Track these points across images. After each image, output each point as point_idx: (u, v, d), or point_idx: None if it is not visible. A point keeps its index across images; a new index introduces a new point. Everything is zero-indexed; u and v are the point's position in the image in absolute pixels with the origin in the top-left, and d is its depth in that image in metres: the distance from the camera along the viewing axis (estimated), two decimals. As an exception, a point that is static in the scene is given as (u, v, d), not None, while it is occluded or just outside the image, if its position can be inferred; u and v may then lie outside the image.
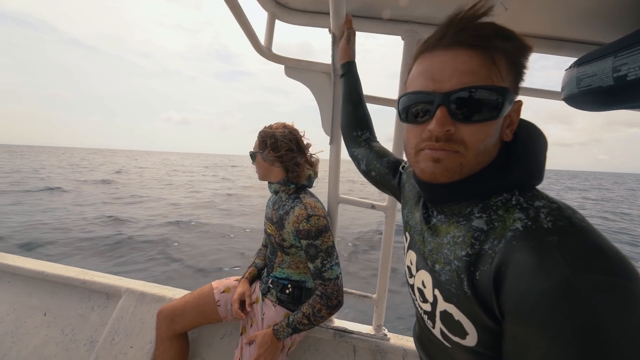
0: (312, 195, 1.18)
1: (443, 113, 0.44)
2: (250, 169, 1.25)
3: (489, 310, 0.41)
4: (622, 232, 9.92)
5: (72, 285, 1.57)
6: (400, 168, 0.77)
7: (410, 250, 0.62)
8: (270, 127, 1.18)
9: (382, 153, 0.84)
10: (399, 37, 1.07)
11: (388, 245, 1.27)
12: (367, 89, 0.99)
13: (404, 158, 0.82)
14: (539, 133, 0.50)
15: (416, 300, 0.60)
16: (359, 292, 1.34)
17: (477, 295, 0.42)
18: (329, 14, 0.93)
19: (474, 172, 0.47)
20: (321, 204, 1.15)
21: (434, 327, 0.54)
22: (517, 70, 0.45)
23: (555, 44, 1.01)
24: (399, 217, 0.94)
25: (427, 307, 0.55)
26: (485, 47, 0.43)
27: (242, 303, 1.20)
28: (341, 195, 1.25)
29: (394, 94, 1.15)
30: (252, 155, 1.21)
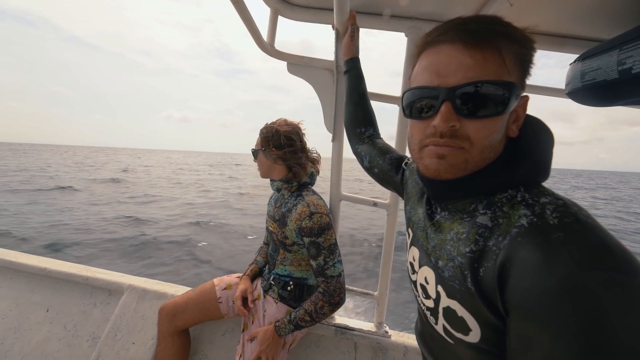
0: (314, 192, 1.18)
1: (448, 108, 0.43)
2: (255, 168, 1.23)
3: (492, 307, 0.41)
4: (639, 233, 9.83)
5: (75, 282, 1.56)
6: (403, 164, 0.77)
7: (413, 247, 0.62)
8: (273, 124, 1.16)
9: (385, 150, 0.84)
10: (400, 35, 1.07)
11: (390, 243, 1.27)
12: (368, 87, 1.00)
13: (407, 154, 0.81)
14: (545, 129, 0.49)
15: (419, 296, 0.60)
16: (360, 290, 1.35)
17: (481, 291, 0.42)
18: (332, 10, 0.92)
19: (479, 168, 0.46)
20: (323, 201, 1.15)
21: (436, 324, 0.53)
22: (524, 64, 0.45)
23: (559, 40, 1.00)
24: (400, 215, 0.96)
25: (430, 303, 0.54)
26: (491, 42, 0.42)
27: (244, 300, 1.20)
28: (343, 193, 1.25)
29: (395, 92, 1.15)
30: (254, 153, 1.20)
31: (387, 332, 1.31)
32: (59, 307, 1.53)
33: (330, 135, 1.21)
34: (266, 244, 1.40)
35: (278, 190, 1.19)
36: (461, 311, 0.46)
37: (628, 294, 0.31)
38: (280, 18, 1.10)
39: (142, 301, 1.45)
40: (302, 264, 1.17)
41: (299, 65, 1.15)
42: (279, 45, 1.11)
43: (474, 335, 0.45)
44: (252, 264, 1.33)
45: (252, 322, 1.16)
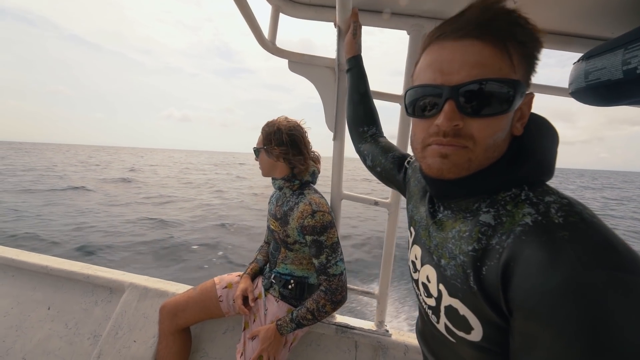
0: (316, 191, 1.18)
1: (451, 107, 0.42)
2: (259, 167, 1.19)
3: (495, 306, 0.40)
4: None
5: (76, 280, 1.57)
6: (405, 163, 0.77)
7: (415, 245, 0.62)
8: (274, 122, 1.16)
9: (387, 148, 0.83)
10: (401, 34, 1.06)
11: (391, 242, 1.27)
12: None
13: (410, 153, 0.80)
14: (550, 127, 0.49)
15: (420, 295, 0.59)
16: (361, 288, 1.35)
17: (484, 290, 0.42)
18: (334, 7, 0.92)
19: (483, 167, 0.45)
20: (325, 200, 1.15)
21: (438, 322, 0.53)
22: (529, 61, 0.44)
23: (563, 39, 1.00)
24: (402, 215, 0.94)
25: (432, 302, 0.54)
26: (496, 38, 0.41)
27: (245, 299, 1.20)
28: (344, 192, 1.25)
29: (395, 90, 1.15)
30: (256, 151, 1.20)
31: (387, 331, 1.31)
32: (61, 305, 1.53)
33: (330, 134, 1.21)
34: (267, 242, 1.40)
35: (280, 188, 1.19)
36: (463, 310, 0.46)
37: (633, 293, 0.30)
38: (281, 16, 1.09)
39: (143, 299, 1.45)
40: (303, 263, 1.17)
41: (300, 63, 1.15)
42: (279, 44, 1.11)
43: (476, 334, 0.45)
44: (252, 262, 1.33)
45: (254, 321, 1.16)
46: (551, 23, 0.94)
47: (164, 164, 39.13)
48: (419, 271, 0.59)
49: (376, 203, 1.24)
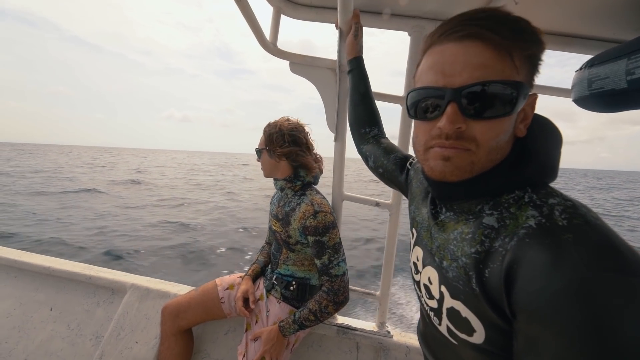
0: (317, 192, 1.17)
1: (454, 109, 0.42)
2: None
3: (498, 309, 0.40)
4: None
5: (78, 281, 1.57)
6: (407, 164, 0.76)
7: (416, 247, 0.62)
8: (276, 122, 1.15)
9: (389, 149, 0.83)
10: (402, 34, 1.07)
11: (392, 243, 1.27)
12: (368, 87, 0.92)
13: (411, 153, 0.81)
14: (554, 128, 0.48)
15: (422, 296, 0.59)
16: (362, 290, 1.35)
17: (486, 293, 0.41)
18: (335, 8, 0.92)
19: (486, 169, 0.45)
20: (327, 200, 1.15)
21: (440, 324, 0.53)
22: (533, 61, 0.43)
23: (564, 40, 1.00)
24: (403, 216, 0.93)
25: (434, 303, 0.54)
26: (498, 39, 0.40)
27: (245, 300, 1.19)
28: (345, 193, 1.25)
29: (396, 91, 1.15)
30: (258, 152, 1.19)
31: (389, 332, 1.31)
32: (63, 306, 1.53)
33: (330, 135, 1.21)
34: (268, 243, 1.40)
35: (281, 189, 1.19)
36: (465, 312, 0.45)
37: (638, 295, 0.30)
38: (282, 17, 1.09)
39: (145, 300, 1.45)
40: (305, 264, 1.16)
41: (301, 64, 1.15)
42: (280, 45, 1.10)
43: (479, 336, 0.44)
44: (253, 263, 1.33)
45: (256, 322, 1.16)
46: (552, 24, 0.94)
47: (168, 165, 39.13)
48: (420, 273, 0.58)
49: (377, 204, 1.23)
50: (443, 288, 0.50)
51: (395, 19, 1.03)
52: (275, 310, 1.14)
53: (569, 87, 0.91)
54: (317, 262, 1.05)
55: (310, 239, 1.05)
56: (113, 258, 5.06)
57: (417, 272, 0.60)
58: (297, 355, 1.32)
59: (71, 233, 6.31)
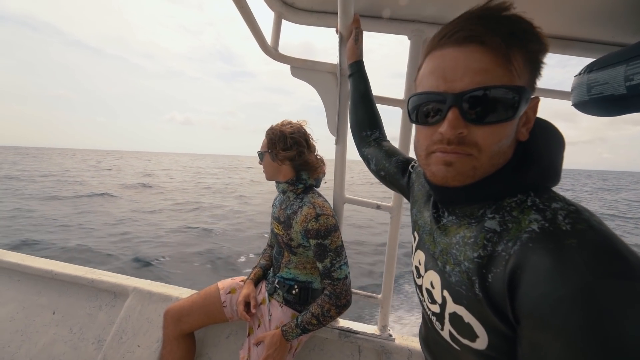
0: (319, 195, 1.17)
1: (455, 115, 0.42)
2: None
3: (501, 314, 0.40)
4: None
5: (80, 284, 1.57)
6: (409, 167, 0.76)
7: (418, 250, 0.61)
8: (278, 125, 1.16)
9: (391, 152, 0.83)
10: (401, 37, 1.08)
11: (393, 246, 1.27)
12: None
13: (413, 156, 0.80)
14: (556, 132, 0.48)
15: (424, 301, 0.58)
16: (364, 293, 1.34)
17: (489, 298, 0.41)
18: (336, 13, 0.93)
19: (488, 174, 0.45)
20: (329, 203, 1.15)
21: (442, 329, 0.52)
22: (534, 65, 0.43)
23: (564, 43, 1.00)
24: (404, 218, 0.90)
25: (436, 308, 0.53)
26: (498, 43, 0.39)
27: (247, 305, 1.19)
28: (347, 196, 1.25)
29: (395, 93, 1.16)
30: (260, 155, 1.19)
31: (391, 336, 1.31)
32: (65, 309, 1.53)
33: (331, 137, 1.21)
34: (270, 246, 1.39)
35: (283, 192, 1.19)
36: (468, 317, 0.45)
37: None
38: (284, 22, 1.10)
39: (147, 304, 1.45)
40: (306, 267, 1.16)
41: (302, 68, 1.16)
42: (280, 46, 1.11)
43: (481, 342, 0.44)
44: (255, 267, 1.33)
45: (258, 326, 1.16)
46: (551, 27, 0.94)
47: (174, 168, 39.17)
48: (422, 277, 0.58)
49: (378, 207, 1.23)
50: (445, 293, 0.50)
51: (395, 23, 1.04)
52: (277, 314, 1.14)
53: (569, 89, 0.91)
54: (319, 265, 1.05)
55: (312, 242, 1.05)
56: (143, 265, 4.99)
57: (419, 276, 0.60)
58: (298, 359, 1.31)
59: (95, 239, 6.26)
